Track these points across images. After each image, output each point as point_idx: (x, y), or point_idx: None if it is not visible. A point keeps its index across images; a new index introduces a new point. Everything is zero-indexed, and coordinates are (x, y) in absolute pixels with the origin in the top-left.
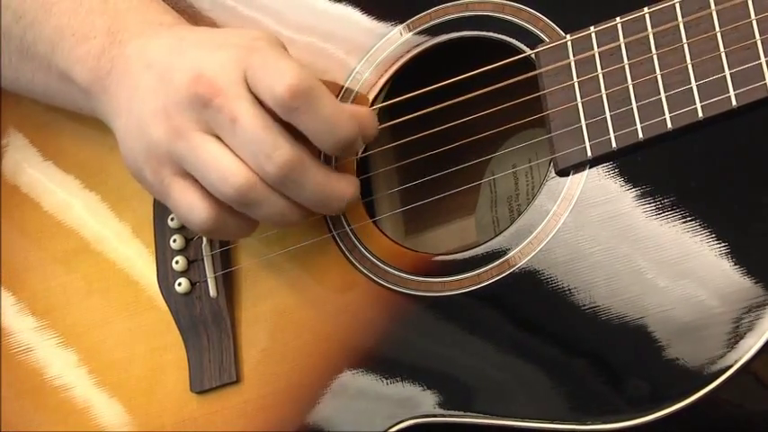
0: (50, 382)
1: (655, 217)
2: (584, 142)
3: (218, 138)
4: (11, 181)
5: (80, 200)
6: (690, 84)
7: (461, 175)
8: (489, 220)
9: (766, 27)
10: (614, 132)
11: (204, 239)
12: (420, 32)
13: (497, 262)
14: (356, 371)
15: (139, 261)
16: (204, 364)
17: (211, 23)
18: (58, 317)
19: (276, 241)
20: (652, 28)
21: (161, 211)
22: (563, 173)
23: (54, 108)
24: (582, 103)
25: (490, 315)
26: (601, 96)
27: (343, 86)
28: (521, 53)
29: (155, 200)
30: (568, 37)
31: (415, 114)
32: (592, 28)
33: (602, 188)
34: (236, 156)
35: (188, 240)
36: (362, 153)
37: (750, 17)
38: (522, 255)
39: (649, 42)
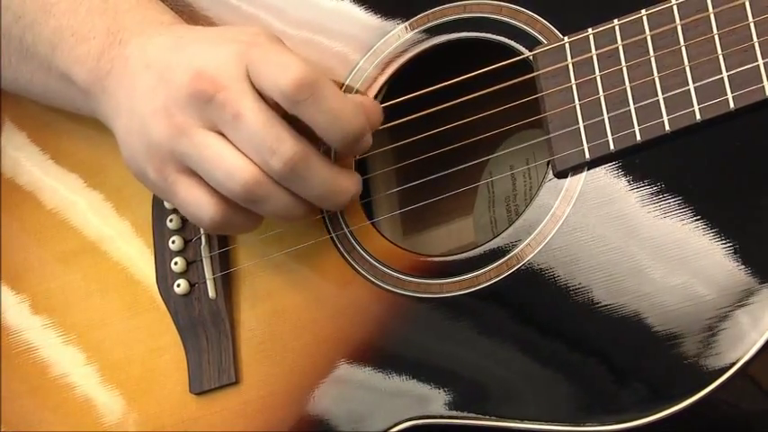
0: (50, 382)
1: (653, 219)
2: (582, 144)
3: (221, 134)
4: (11, 181)
5: (80, 200)
6: (688, 86)
7: (459, 176)
8: (487, 220)
9: (764, 29)
10: (612, 134)
11: (203, 241)
12: (419, 33)
13: (496, 263)
14: (356, 372)
15: (139, 262)
16: (203, 365)
17: (211, 22)
18: (58, 317)
19: (275, 243)
20: (650, 30)
21: (160, 212)
22: (561, 174)
23: (54, 108)
24: (580, 104)
25: (490, 316)
26: (599, 98)
27: (344, 84)
28: (519, 55)
29: (153, 201)
30: (566, 39)
31: (414, 116)
32: (590, 30)
33: (600, 190)
34: (241, 152)
35: (187, 241)
36: (361, 154)
37: (748, 19)
38: (520, 256)
39: (647, 44)
